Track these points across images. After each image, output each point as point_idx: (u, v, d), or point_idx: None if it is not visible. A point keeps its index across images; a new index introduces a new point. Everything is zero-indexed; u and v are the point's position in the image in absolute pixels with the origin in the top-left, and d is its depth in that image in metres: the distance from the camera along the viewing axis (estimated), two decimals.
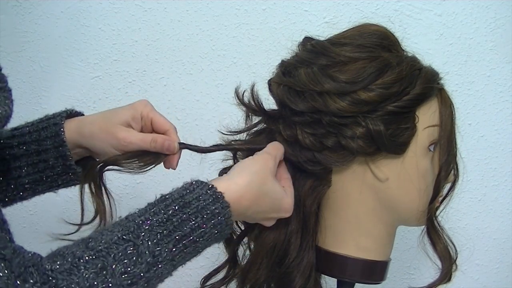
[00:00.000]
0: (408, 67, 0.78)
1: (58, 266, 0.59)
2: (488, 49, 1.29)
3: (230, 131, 0.86)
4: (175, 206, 0.68)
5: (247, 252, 0.88)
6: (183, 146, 0.83)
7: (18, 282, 0.56)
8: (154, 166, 0.83)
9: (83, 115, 0.89)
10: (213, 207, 0.69)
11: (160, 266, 0.65)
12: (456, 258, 0.84)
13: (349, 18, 1.26)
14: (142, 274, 0.63)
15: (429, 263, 0.86)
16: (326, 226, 0.85)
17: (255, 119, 0.87)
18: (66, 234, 0.83)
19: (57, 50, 1.29)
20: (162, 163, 0.84)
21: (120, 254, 0.62)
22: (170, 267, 0.66)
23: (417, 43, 1.25)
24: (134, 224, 0.65)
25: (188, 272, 1.31)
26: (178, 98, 1.30)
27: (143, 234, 0.64)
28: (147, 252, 0.63)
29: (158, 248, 0.64)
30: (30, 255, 0.60)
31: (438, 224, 0.83)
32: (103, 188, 0.83)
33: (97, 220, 0.84)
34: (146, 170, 0.83)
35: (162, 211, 0.67)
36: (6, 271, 0.55)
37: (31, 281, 0.56)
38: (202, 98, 1.29)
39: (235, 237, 0.88)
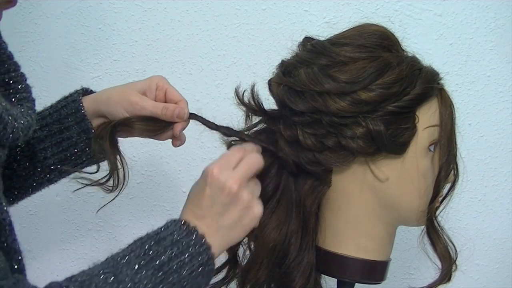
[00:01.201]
0: (408, 67, 0.78)
1: None
2: (488, 49, 1.29)
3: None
4: (150, 242, 0.69)
5: (247, 252, 0.88)
6: (193, 116, 0.85)
7: None
8: (163, 137, 0.85)
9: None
10: (188, 239, 0.70)
11: None
12: (456, 258, 0.84)
13: (349, 18, 1.26)
14: None
15: (429, 263, 0.86)
16: (326, 226, 0.85)
17: (255, 119, 0.87)
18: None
19: (57, 50, 1.29)
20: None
21: (101, 283, 0.64)
22: None
23: (417, 43, 1.25)
24: (113, 261, 0.68)
25: None
26: None
27: (121, 266, 0.67)
28: (126, 279, 0.65)
29: (138, 276, 0.66)
30: (28, 285, 0.63)
31: (438, 224, 0.83)
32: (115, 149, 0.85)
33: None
34: (155, 136, 0.85)
35: (139, 248, 0.69)
36: None
37: None
38: (202, 98, 1.29)
39: None
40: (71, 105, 0.88)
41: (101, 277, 0.65)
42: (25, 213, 1.34)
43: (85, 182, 0.84)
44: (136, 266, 0.67)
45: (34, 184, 0.89)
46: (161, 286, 0.67)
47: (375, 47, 0.79)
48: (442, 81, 0.83)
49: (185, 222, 0.71)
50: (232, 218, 0.74)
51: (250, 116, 0.86)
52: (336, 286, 0.89)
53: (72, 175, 0.88)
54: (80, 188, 0.85)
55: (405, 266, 1.35)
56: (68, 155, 0.88)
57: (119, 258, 0.68)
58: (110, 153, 0.83)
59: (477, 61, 1.29)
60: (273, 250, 0.84)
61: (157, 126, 0.84)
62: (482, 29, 1.28)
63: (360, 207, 0.82)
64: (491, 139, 1.32)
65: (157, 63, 1.29)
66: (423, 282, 0.88)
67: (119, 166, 0.84)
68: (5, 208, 0.66)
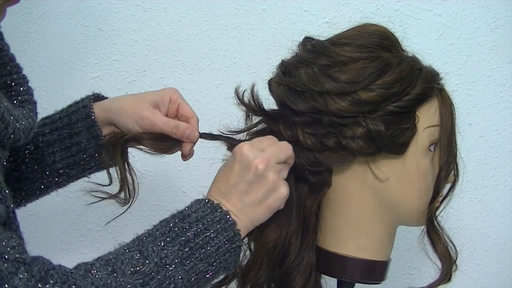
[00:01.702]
0: (409, 67, 0.78)
1: (74, 271, 0.63)
2: (488, 49, 1.29)
3: (230, 131, 0.86)
4: (175, 220, 0.71)
5: (248, 252, 0.88)
6: (203, 135, 0.85)
7: (40, 285, 0.60)
8: (171, 152, 0.86)
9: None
10: (213, 216, 0.71)
11: (169, 268, 0.67)
12: (456, 258, 0.84)
13: (349, 18, 1.26)
14: (152, 274, 0.65)
15: (429, 263, 0.86)
16: (326, 226, 0.85)
17: (255, 119, 0.87)
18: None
19: (57, 50, 1.29)
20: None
21: (128, 259, 0.66)
22: (183, 272, 0.68)
23: (417, 43, 1.25)
24: (138, 240, 0.69)
25: None
26: None
27: (147, 244, 0.68)
28: (152, 254, 0.67)
29: (164, 251, 0.67)
30: (49, 260, 0.65)
31: (438, 224, 0.83)
32: (125, 162, 0.87)
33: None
34: (163, 154, 0.86)
35: (164, 226, 0.70)
36: (26, 274, 0.59)
37: (51, 281, 0.60)
38: (202, 98, 1.29)
39: None
40: (82, 110, 0.87)
41: (127, 255, 0.66)
42: (25, 213, 1.33)
43: (98, 195, 0.86)
44: (162, 243, 0.68)
45: (42, 187, 0.90)
46: (188, 262, 0.68)
47: (375, 47, 0.79)
48: (442, 81, 0.83)
49: (209, 200, 0.73)
50: (257, 197, 0.75)
51: (250, 116, 0.86)
52: (336, 286, 0.89)
53: (87, 187, 0.89)
54: (95, 202, 0.86)
55: (405, 266, 1.35)
56: (77, 160, 0.88)
57: (144, 238, 0.69)
58: (121, 167, 0.84)
59: (477, 61, 1.29)
60: (273, 250, 0.84)
61: (166, 145, 0.85)
62: (482, 29, 1.28)
63: (360, 207, 0.82)
64: (491, 139, 1.32)
65: (157, 63, 1.29)
66: (423, 282, 0.88)
67: (129, 178, 0.86)
68: (8, 196, 0.66)
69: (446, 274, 0.83)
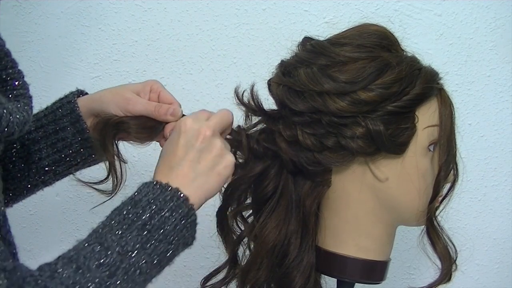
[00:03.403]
0: (408, 67, 0.78)
1: (42, 274, 0.63)
2: (488, 49, 1.29)
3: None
4: (128, 207, 0.70)
5: (247, 252, 0.88)
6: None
7: None
8: (155, 137, 0.85)
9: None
10: (164, 195, 0.70)
11: (132, 255, 0.66)
12: (456, 258, 0.84)
13: (349, 18, 1.26)
14: (117, 264, 0.65)
15: (429, 263, 0.86)
16: (326, 226, 0.85)
17: (255, 119, 0.87)
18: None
19: (57, 50, 1.29)
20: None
21: (89, 253, 0.65)
22: (146, 256, 0.67)
23: (417, 43, 1.25)
24: (95, 233, 0.68)
25: (188, 272, 1.31)
26: (178, 98, 1.28)
27: (105, 235, 0.67)
28: (113, 244, 0.66)
29: (123, 239, 0.66)
30: (27, 268, 0.63)
31: (438, 224, 0.83)
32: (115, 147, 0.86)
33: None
34: (147, 143, 0.86)
35: (117, 215, 0.70)
36: (6, 281, 0.59)
37: None
38: (202, 98, 1.29)
39: (235, 237, 0.88)
40: (66, 106, 0.88)
41: (88, 249, 0.65)
42: (25, 213, 1.34)
43: (84, 182, 0.86)
44: (120, 231, 0.67)
45: (29, 185, 0.89)
46: (148, 245, 0.67)
47: (374, 47, 0.79)
48: (441, 81, 0.83)
49: (157, 182, 0.72)
50: (207, 164, 0.75)
51: (250, 116, 0.86)
52: (336, 286, 0.89)
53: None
54: (80, 185, 0.87)
55: (405, 266, 1.35)
56: (63, 156, 0.88)
57: (100, 229, 0.68)
58: (109, 151, 0.84)
59: (477, 61, 1.29)
60: (273, 250, 0.84)
61: (150, 128, 0.84)
62: (482, 29, 1.28)
63: (359, 207, 0.82)
64: (491, 139, 1.32)
65: (157, 63, 1.29)
66: (423, 282, 0.88)
67: (117, 166, 0.85)
68: (0, 199, 0.66)
69: (446, 274, 0.83)
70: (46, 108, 0.90)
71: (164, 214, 0.69)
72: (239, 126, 0.85)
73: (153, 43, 1.29)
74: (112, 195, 0.86)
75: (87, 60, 1.30)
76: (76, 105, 0.87)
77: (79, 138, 0.87)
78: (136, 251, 0.66)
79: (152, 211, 0.69)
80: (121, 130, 0.85)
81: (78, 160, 0.90)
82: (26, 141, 0.87)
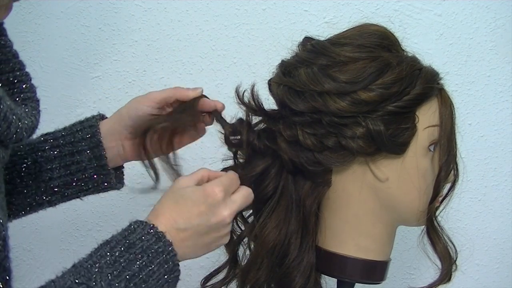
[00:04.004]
0: (408, 67, 0.78)
1: None
2: (488, 49, 1.29)
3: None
4: (120, 248, 0.68)
5: (247, 252, 0.88)
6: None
7: None
8: (194, 113, 0.86)
9: None
10: (156, 246, 0.69)
11: None
12: (456, 258, 0.84)
13: (349, 18, 1.26)
14: None
15: (429, 263, 0.86)
16: (326, 226, 0.85)
17: (255, 119, 0.87)
18: None
19: (57, 50, 1.29)
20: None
21: None
22: None
23: (417, 43, 1.25)
24: (84, 269, 0.66)
25: (188, 272, 1.30)
26: None
27: (94, 276, 0.65)
28: None
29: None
30: None
31: (438, 224, 0.83)
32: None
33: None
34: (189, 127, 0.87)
35: (109, 254, 0.68)
36: None
37: None
38: None
39: (235, 237, 0.88)
40: (87, 129, 0.87)
41: None
42: None
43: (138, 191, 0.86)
44: (109, 277, 0.65)
45: (34, 203, 0.88)
46: None
47: (375, 47, 0.79)
48: (442, 81, 0.83)
49: (153, 226, 0.70)
50: (208, 241, 0.74)
51: (250, 116, 0.86)
52: (336, 286, 0.89)
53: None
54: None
55: (405, 266, 1.35)
56: (75, 179, 0.88)
57: (89, 266, 0.66)
58: (151, 155, 0.83)
59: (477, 61, 1.29)
60: (273, 250, 0.84)
61: (187, 121, 0.85)
62: (482, 29, 1.28)
63: (360, 207, 0.82)
64: (491, 139, 1.32)
65: (157, 63, 1.29)
66: (423, 282, 0.88)
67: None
68: (1, 221, 0.64)
69: (446, 274, 0.83)
70: (65, 129, 0.89)
71: (153, 268, 0.68)
72: (241, 118, 0.85)
73: (153, 43, 1.28)
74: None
75: (87, 60, 1.29)
76: (98, 130, 0.87)
77: (95, 164, 0.87)
78: None
79: (143, 263, 0.68)
80: (173, 128, 0.84)
81: (90, 186, 0.89)
82: (39, 158, 0.86)
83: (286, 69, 0.82)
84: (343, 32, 0.83)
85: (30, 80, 0.75)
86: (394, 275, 1.34)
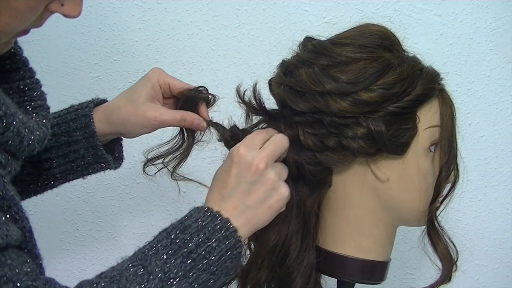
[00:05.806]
0: (409, 68, 0.78)
1: None
2: (488, 49, 1.29)
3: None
4: (176, 231, 0.70)
5: (248, 252, 0.88)
6: (211, 123, 0.86)
7: None
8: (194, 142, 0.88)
9: (107, 101, 0.92)
10: (214, 224, 0.70)
11: (174, 282, 0.66)
12: (457, 258, 0.84)
13: (350, 18, 1.26)
14: None
15: (429, 263, 0.86)
16: (327, 226, 0.85)
17: (256, 119, 0.87)
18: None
19: (57, 50, 1.29)
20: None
21: (132, 276, 0.65)
22: (187, 285, 0.67)
23: (417, 43, 1.25)
24: (141, 253, 0.68)
25: None
26: None
27: (150, 258, 0.67)
28: (156, 269, 0.66)
29: (167, 265, 0.66)
30: (59, 284, 0.64)
31: (439, 224, 0.83)
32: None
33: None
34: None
35: (165, 238, 0.69)
36: None
37: None
38: None
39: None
40: (81, 119, 0.87)
41: (131, 270, 0.65)
42: None
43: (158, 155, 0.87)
44: (165, 256, 0.67)
45: (38, 189, 0.90)
46: (191, 273, 0.67)
47: (376, 47, 0.79)
48: (442, 82, 0.83)
49: (208, 208, 0.71)
50: (258, 198, 0.73)
51: (251, 116, 0.86)
52: (336, 286, 0.89)
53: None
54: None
55: (405, 266, 1.35)
56: (75, 166, 0.89)
57: (146, 250, 0.68)
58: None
59: (477, 61, 1.29)
60: (274, 250, 0.84)
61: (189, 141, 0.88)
62: (482, 29, 1.28)
63: (360, 207, 0.82)
64: (491, 139, 1.32)
65: (157, 63, 1.29)
66: (423, 282, 0.88)
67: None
68: (25, 215, 0.66)
69: (447, 275, 0.83)
70: (59, 116, 0.89)
71: (212, 243, 0.69)
72: (235, 125, 0.84)
73: (153, 43, 1.28)
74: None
75: (87, 60, 1.29)
76: (91, 120, 0.87)
77: (92, 153, 0.87)
78: (178, 279, 0.66)
79: (200, 240, 0.68)
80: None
81: (90, 171, 0.90)
82: None
83: (287, 69, 0.82)
84: (344, 32, 0.83)
85: (40, 87, 0.75)
86: (394, 275, 1.34)
